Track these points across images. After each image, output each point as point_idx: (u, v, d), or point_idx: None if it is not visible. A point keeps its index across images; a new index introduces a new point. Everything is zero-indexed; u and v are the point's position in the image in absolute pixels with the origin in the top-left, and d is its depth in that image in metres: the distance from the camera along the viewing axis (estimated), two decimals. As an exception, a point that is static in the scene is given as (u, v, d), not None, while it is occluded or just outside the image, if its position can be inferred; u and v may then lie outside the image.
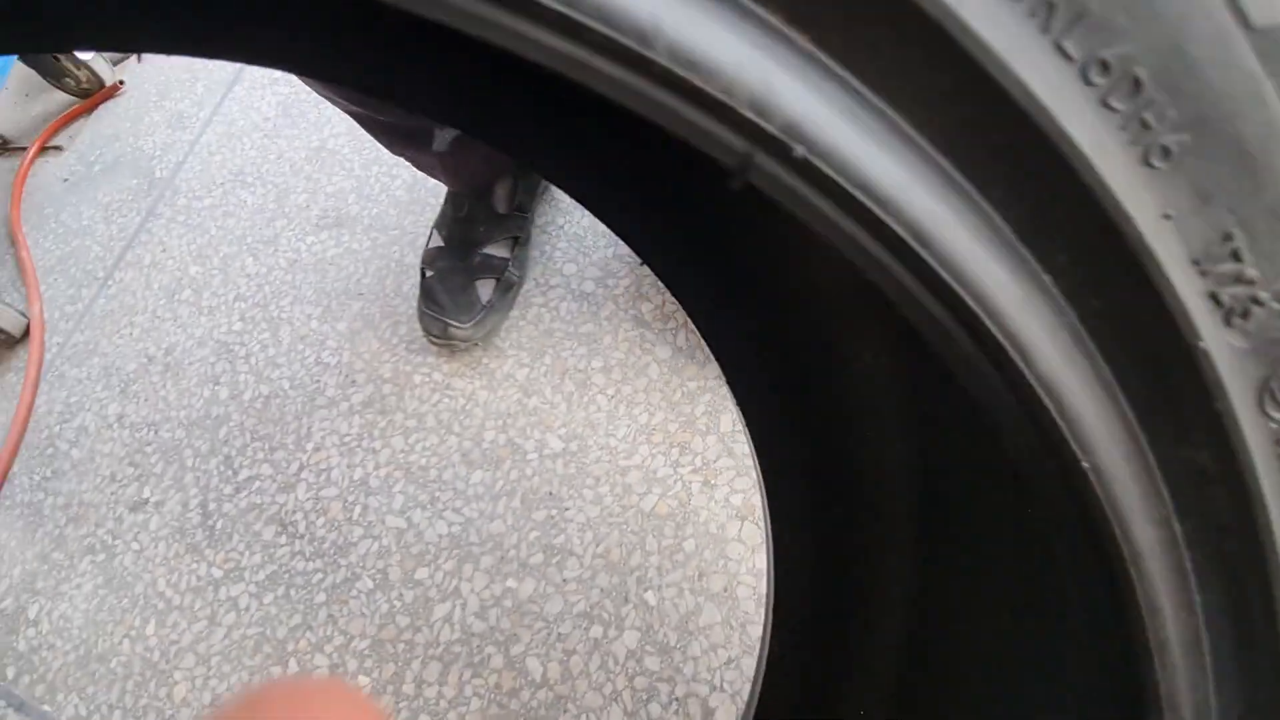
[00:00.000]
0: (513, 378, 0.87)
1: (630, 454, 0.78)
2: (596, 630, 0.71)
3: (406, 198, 1.07)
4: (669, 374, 0.81)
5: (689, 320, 0.82)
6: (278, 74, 1.30)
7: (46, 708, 0.87)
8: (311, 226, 1.10)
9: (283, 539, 0.87)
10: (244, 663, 0.81)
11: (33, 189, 1.41)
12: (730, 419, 0.77)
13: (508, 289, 0.89)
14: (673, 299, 0.84)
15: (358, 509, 0.86)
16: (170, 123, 1.36)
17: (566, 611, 0.73)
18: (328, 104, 1.14)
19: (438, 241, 0.93)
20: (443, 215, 0.93)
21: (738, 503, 0.73)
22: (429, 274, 0.90)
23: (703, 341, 0.80)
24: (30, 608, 0.94)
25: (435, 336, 0.88)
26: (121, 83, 1.47)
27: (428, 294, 0.89)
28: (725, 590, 0.69)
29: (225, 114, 1.31)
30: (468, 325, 0.86)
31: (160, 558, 0.91)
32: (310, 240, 1.09)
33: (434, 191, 1.05)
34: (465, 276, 0.88)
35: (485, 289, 0.88)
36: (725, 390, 0.79)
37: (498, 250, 0.89)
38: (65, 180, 1.39)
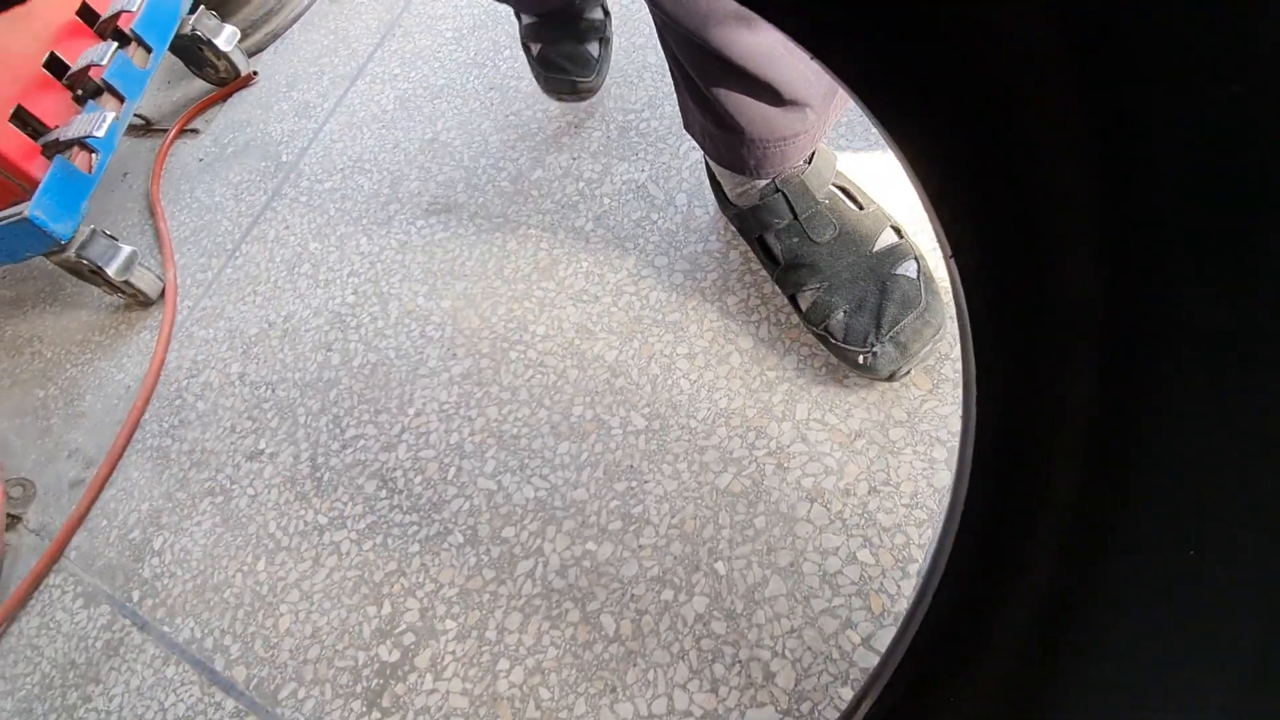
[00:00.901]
0: (602, 359, 0.93)
1: (709, 435, 0.83)
2: (668, 594, 0.76)
3: (511, 189, 1.14)
4: (749, 363, 0.86)
5: (771, 314, 0.87)
6: (397, 70, 1.40)
7: (165, 628, 0.96)
8: (422, 212, 1.19)
9: (383, 493, 0.95)
10: (343, 601, 0.89)
11: (171, 167, 1.54)
12: (806, 408, 0.81)
13: (606, 44, 1.04)
14: (758, 293, 0.89)
15: (452, 470, 0.93)
16: (297, 112, 1.47)
17: (641, 575, 0.78)
18: (443, 99, 1.24)
19: (529, 20, 1.08)
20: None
21: (808, 485, 0.77)
22: (539, 46, 1.04)
23: (783, 334, 0.84)
24: (155, 540, 1.04)
25: (565, 94, 1.05)
26: (255, 73, 1.60)
27: (545, 62, 1.04)
28: (791, 565, 0.73)
29: (347, 105, 1.41)
30: (591, 78, 1.03)
31: (272, 503, 1.00)
32: (420, 224, 1.17)
33: (536, 184, 1.12)
34: (574, 41, 1.04)
35: (593, 48, 1.02)
36: (802, 380, 0.83)
37: (595, 14, 1.03)
38: (200, 160, 1.52)
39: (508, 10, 1.37)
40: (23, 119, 1.20)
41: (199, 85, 1.65)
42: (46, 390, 1.33)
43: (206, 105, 1.61)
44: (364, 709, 0.81)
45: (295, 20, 1.66)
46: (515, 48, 1.30)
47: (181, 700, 0.90)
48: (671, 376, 0.89)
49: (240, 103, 1.58)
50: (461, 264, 1.10)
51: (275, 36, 1.65)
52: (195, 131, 1.59)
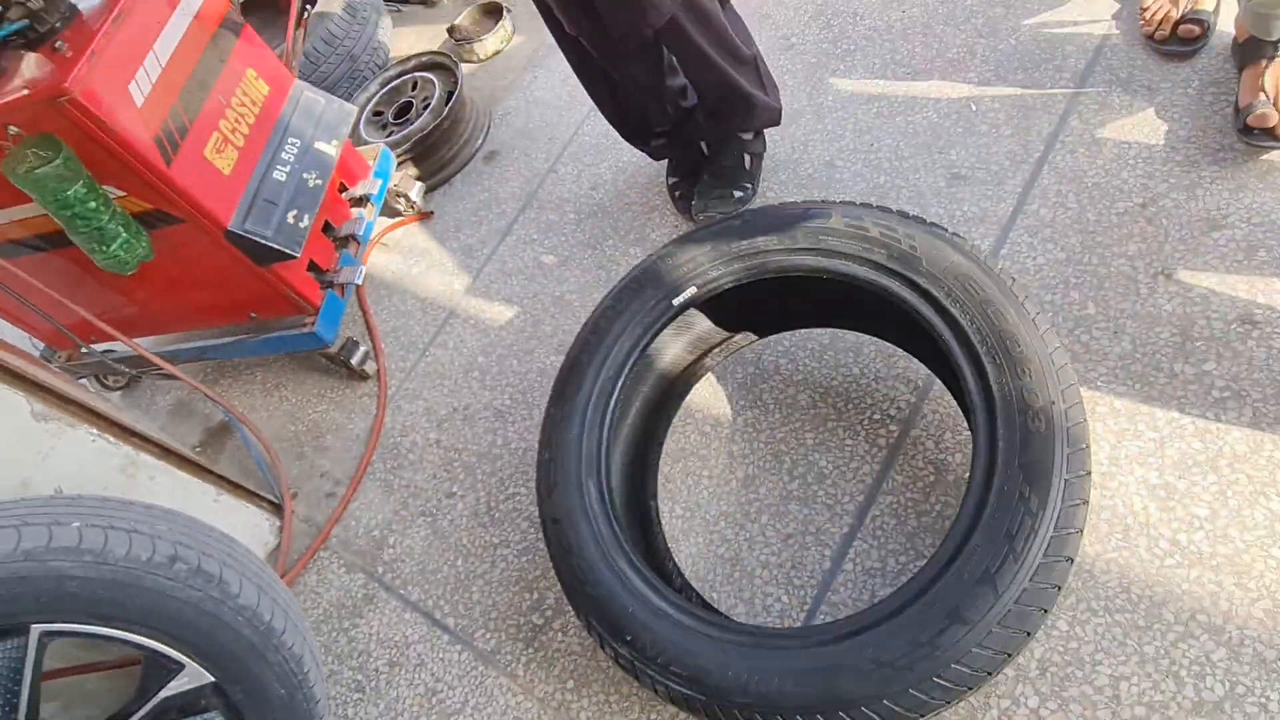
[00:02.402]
0: (660, 468, 1.66)
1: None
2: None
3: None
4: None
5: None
6: (535, 236, 2.13)
7: (401, 592, 1.71)
8: (554, 349, 1.92)
9: (533, 531, 1.69)
10: (509, 588, 1.63)
11: (369, 276, 2.28)
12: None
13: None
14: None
15: (572, 521, 1.66)
16: (464, 251, 2.20)
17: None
18: (567, 268, 1.94)
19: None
20: None
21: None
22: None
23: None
24: (389, 538, 1.80)
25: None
26: (431, 213, 2.33)
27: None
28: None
29: (500, 256, 2.14)
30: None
31: (464, 525, 1.75)
32: (552, 358, 1.90)
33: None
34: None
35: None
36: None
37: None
38: (392, 274, 2.26)
39: (615, 206, 2.08)
40: (314, 268, 1.94)
41: (387, 212, 2.38)
42: (296, 426, 2.09)
43: (395, 228, 2.35)
44: (522, 647, 1.56)
45: (457, 173, 2.38)
46: (619, 238, 2.02)
47: (415, 630, 1.66)
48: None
49: (419, 231, 2.32)
50: (578, 390, 1.83)
51: (444, 182, 2.38)
52: (385, 245, 2.33)
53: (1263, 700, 1.09)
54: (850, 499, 1.46)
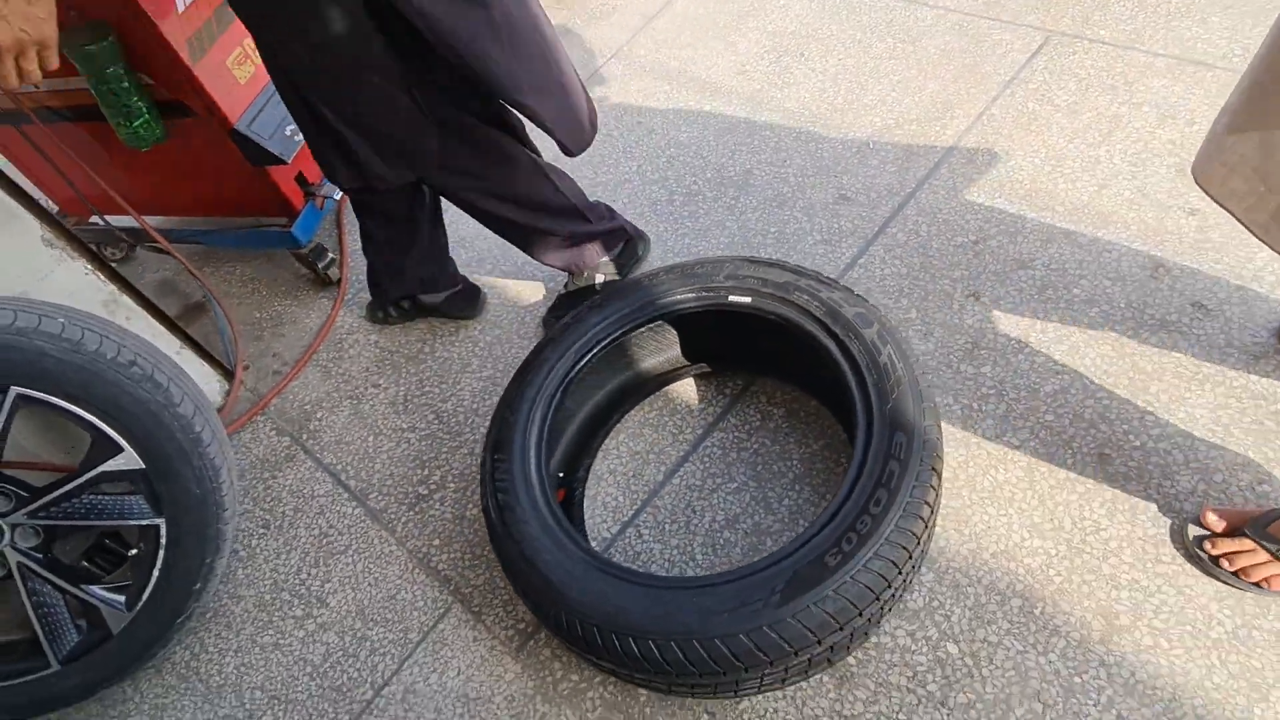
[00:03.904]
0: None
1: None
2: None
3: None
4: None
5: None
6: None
7: (318, 455, 2.02)
8: (490, 287, 2.23)
9: (436, 422, 1.99)
10: (406, 464, 1.94)
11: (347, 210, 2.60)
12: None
13: None
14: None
15: (475, 418, 1.97)
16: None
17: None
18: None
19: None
20: None
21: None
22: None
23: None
24: (318, 412, 2.11)
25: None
26: (415, 159, 2.65)
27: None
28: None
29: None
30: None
31: (381, 411, 2.06)
32: (486, 293, 2.22)
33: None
34: None
35: None
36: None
37: None
38: (372, 203, 2.58)
39: (587, 186, 2.41)
40: (301, 179, 2.26)
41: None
42: (261, 314, 2.41)
43: (381, 167, 2.67)
44: (405, 510, 1.86)
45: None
46: (563, 203, 2.34)
47: (322, 487, 1.96)
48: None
49: (402, 173, 2.64)
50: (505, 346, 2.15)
51: (432, 136, 2.71)
52: (371, 180, 2.65)
53: (948, 612, 1.40)
54: (691, 431, 1.78)
